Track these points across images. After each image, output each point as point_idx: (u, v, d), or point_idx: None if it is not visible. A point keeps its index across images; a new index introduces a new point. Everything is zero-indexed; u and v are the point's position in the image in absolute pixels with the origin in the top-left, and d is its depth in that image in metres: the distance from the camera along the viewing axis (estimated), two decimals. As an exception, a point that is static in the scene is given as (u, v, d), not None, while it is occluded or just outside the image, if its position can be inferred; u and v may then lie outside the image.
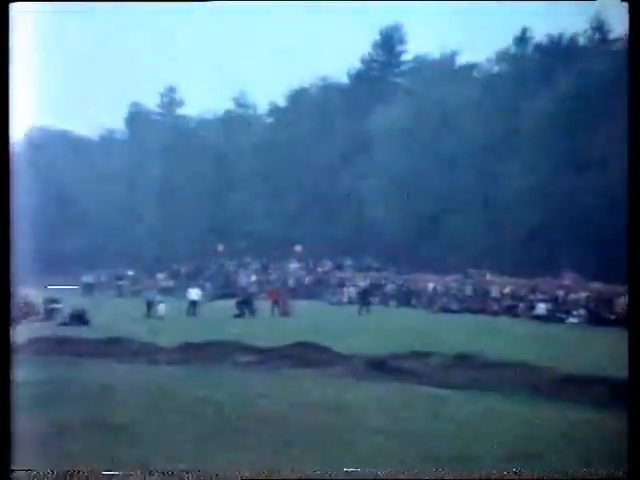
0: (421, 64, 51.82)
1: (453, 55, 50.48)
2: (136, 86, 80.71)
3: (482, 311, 35.15)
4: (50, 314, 30.98)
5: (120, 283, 49.49)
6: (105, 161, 58.93)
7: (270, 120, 60.15)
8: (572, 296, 33.75)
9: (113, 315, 30.15)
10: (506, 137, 42.39)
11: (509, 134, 42.33)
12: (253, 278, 47.51)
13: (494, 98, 43.74)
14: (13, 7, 7.61)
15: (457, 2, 44.75)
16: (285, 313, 32.69)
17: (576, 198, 38.27)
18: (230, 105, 60.39)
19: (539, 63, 44.23)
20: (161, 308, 32.25)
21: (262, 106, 60.57)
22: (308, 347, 17.78)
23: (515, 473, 7.83)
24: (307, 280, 46.47)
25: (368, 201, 47.81)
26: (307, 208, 51.08)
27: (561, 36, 44.78)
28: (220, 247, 50.83)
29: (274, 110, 59.33)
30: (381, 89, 51.23)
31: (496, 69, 48.71)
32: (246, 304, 32.79)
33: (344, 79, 56.04)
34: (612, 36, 42.48)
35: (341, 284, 43.88)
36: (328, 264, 48.33)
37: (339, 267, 47.80)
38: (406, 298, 40.22)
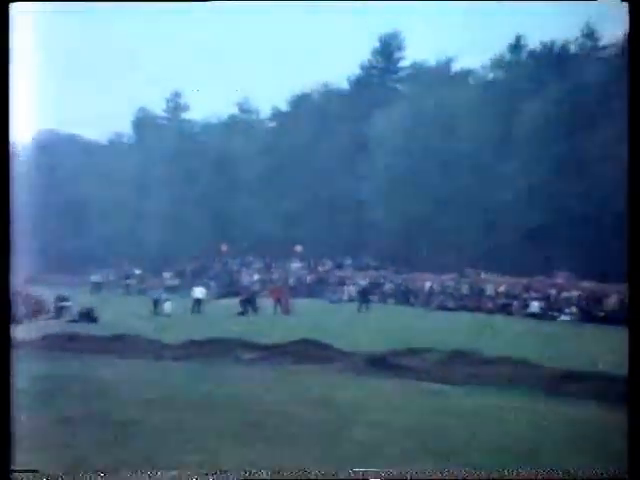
0: (418, 70, 52.19)
1: (448, 62, 51.04)
2: (136, 86, 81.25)
3: (478, 309, 35.37)
4: (60, 312, 31.27)
5: (127, 282, 49.97)
6: (109, 163, 59.48)
7: (273, 124, 60.50)
8: (564, 294, 34.10)
9: (121, 313, 30.47)
10: (501, 140, 42.73)
11: (504, 137, 42.64)
12: (256, 277, 47.72)
13: (489, 103, 44.25)
14: (13, 7, 7.52)
15: (457, 2, 45.16)
16: (287, 311, 32.87)
17: (569, 200, 38.72)
18: (234, 110, 61.14)
19: (534, 69, 44.58)
20: (167, 306, 32.56)
21: (265, 111, 61.24)
22: (309, 344, 17.74)
23: (515, 473, 7.69)
24: (308, 279, 46.57)
25: (367, 203, 48.30)
26: (308, 209, 51.33)
27: (553, 44, 45.05)
28: (224, 247, 50.87)
29: (276, 114, 59.71)
30: (380, 94, 51.58)
31: (491, 75, 49.16)
32: (249, 302, 33.03)
33: (344, 85, 56.60)
34: (609, 39, 42.54)
35: (341, 283, 44.00)
36: (328, 263, 48.52)
37: (339, 266, 47.93)
38: (404, 296, 40.48)
